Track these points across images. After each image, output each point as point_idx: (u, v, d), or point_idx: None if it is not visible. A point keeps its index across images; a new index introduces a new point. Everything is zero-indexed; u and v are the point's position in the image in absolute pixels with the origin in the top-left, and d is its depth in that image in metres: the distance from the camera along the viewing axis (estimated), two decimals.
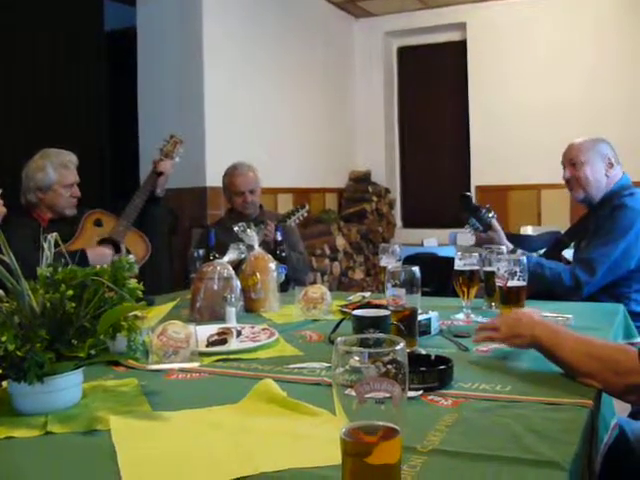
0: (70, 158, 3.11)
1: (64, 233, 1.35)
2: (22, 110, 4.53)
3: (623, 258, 2.54)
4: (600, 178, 2.71)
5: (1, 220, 2.48)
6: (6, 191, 2.55)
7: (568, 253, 2.83)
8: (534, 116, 5.99)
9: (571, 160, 2.76)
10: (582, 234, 2.75)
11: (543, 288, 2.34)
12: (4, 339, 1.08)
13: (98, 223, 3.16)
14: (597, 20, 5.81)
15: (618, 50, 5.74)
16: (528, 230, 5.48)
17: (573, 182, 2.77)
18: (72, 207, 3.10)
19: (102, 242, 3.09)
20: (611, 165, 2.71)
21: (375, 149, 6.80)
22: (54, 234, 1.27)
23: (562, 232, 3.21)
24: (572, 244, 2.85)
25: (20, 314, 1.14)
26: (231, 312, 1.98)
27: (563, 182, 2.84)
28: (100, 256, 2.90)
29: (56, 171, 3.03)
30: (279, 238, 2.73)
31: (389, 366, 0.76)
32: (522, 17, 6.09)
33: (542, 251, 3.04)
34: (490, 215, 2.64)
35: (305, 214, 3.31)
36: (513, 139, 6.08)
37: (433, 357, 1.38)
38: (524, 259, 1.90)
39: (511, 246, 2.59)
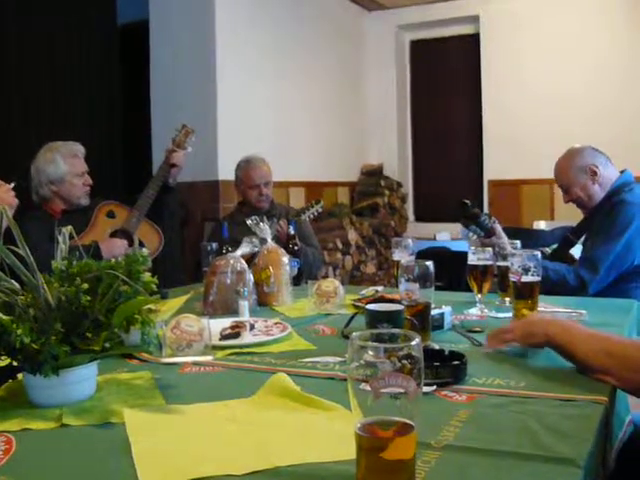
0: (77, 147, 3.14)
1: (77, 225, 1.36)
2: (35, 103, 4.55)
3: (626, 253, 2.55)
4: (591, 191, 2.73)
5: (14, 212, 2.50)
6: (19, 185, 2.56)
7: (576, 252, 2.83)
8: (547, 110, 5.94)
9: (560, 186, 2.80)
10: (587, 233, 2.75)
11: (548, 290, 2.33)
12: (20, 332, 1.09)
13: (110, 214, 3.18)
14: (612, 10, 5.76)
15: (633, 42, 5.68)
16: (541, 225, 5.45)
17: (575, 203, 2.80)
18: (86, 196, 3.14)
19: (115, 234, 3.10)
20: (594, 172, 2.70)
21: (387, 143, 6.77)
22: (69, 227, 1.28)
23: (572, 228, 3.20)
24: (580, 242, 2.85)
25: (35, 307, 1.14)
26: (244, 306, 1.98)
27: None
28: (113, 248, 2.92)
29: (66, 161, 3.06)
30: (292, 232, 2.72)
31: (404, 361, 0.76)
32: (535, 9, 6.04)
33: (555, 246, 3.03)
34: (491, 221, 2.61)
35: (320, 209, 3.30)
36: (526, 133, 6.04)
37: (447, 352, 1.38)
38: (539, 254, 1.89)
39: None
